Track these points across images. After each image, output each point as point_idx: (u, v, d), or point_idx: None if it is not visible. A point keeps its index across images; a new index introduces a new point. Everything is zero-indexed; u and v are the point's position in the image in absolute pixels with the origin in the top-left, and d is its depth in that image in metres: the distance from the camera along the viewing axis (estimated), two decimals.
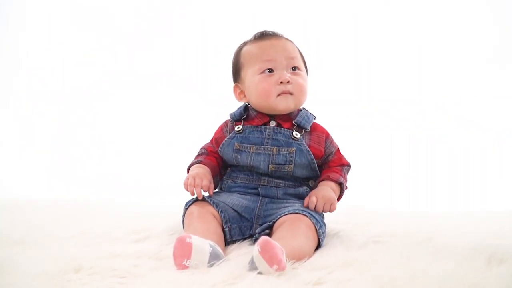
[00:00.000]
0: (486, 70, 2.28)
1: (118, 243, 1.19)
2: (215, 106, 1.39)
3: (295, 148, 1.25)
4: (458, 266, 0.94)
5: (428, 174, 2.23)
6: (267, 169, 1.25)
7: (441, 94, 2.31)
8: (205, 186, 1.22)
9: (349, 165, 1.35)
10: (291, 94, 1.26)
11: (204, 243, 0.97)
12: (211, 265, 0.95)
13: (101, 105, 2.44)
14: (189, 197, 1.26)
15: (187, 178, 1.23)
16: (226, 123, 1.36)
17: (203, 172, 1.26)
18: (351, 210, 1.61)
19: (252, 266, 0.94)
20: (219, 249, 1.01)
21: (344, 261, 1.02)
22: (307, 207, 1.21)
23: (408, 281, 0.83)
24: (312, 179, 1.32)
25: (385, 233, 1.35)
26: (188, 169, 1.33)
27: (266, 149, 1.25)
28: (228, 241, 1.19)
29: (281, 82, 1.25)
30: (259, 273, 0.91)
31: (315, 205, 1.21)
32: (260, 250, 0.91)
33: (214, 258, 0.97)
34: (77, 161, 2.37)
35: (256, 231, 1.21)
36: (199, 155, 1.36)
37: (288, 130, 1.27)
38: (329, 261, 1.02)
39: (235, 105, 1.37)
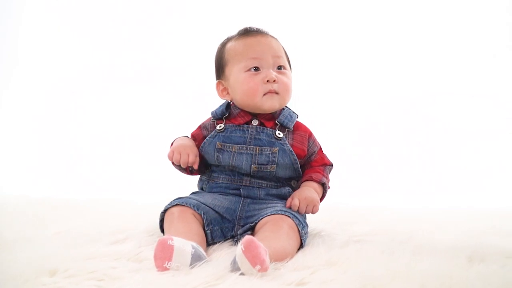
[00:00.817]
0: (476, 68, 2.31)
1: (95, 244, 1.16)
2: (200, 105, 1.36)
3: (278, 148, 1.24)
4: (439, 265, 0.94)
5: (410, 172, 2.25)
6: (249, 169, 1.24)
7: (411, 94, 2.32)
8: (191, 161, 1.20)
9: (331, 165, 1.34)
10: (276, 93, 1.25)
11: (186, 245, 0.96)
12: (193, 267, 0.94)
13: (83, 105, 2.42)
14: (168, 199, 1.24)
15: (172, 152, 1.21)
16: (205, 122, 1.33)
17: (190, 145, 1.23)
18: (332, 208, 1.60)
19: (235, 267, 0.92)
20: (201, 250, 0.99)
21: (326, 260, 1.01)
22: (290, 208, 1.20)
23: (390, 280, 0.82)
24: (294, 179, 1.31)
25: (366, 232, 1.36)
26: (172, 144, 1.30)
27: (248, 149, 1.24)
28: (209, 243, 1.18)
29: (267, 81, 1.23)
30: (241, 274, 0.90)
31: (298, 207, 1.20)
32: (243, 249, 0.90)
33: (196, 259, 0.95)
34: (55, 161, 2.33)
35: (238, 232, 1.19)
36: None
37: (271, 129, 1.26)
38: (311, 261, 1.01)
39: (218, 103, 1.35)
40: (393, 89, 2.31)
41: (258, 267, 0.89)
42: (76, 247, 1.12)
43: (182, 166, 1.22)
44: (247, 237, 0.91)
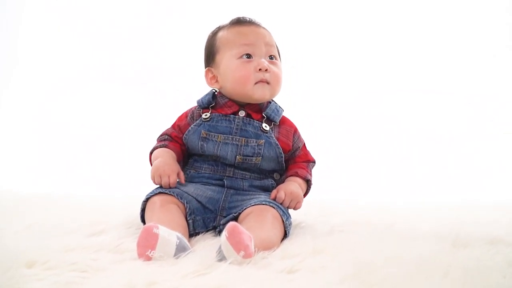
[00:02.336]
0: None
1: (72, 236, 1.11)
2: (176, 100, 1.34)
3: (264, 140, 1.22)
4: (426, 250, 0.95)
5: (378, 166, 2.27)
6: (234, 160, 1.21)
7: (409, 93, 2.35)
8: (173, 183, 1.17)
9: (314, 162, 1.34)
10: (268, 83, 1.23)
11: (171, 235, 0.93)
12: (177, 258, 0.91)
13: (61, 99, 2.39)
14: (148, 189, 1.20)
15: (153, 174, 1.18)
16: (191, 110, 1.30)
17: (170, 164, 1.19)
18: (308, 201, 1.59)
19: (221, 255, 0.90)
20: (186, 241, 0.96)
21: (313, 249, 1.01)
22: (274, 200, 1.19)
23: (383, 265, 0.82)
24: (277, 172, 1.30)
25: (347, 222, 1.36)
26: (151, 154, 1.27)
27: (234, 139, 1.21)
28: (191, 234, 1.15)
29: (259, 70, 1.21)
30: (224, 260, 0.88)
31: (283, 200, 1.19)
32: (227, 235, 0.88)
33: (180, 250, 0.92)
34: (30, 154, 2.27)
35: (221, 223, 1.17)
36: (161, 140, 1.29)
37: (257, 121, 1.24)
38: (298, 249, 1.00)
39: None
40: (390, 88, 2.34)
41: (242, 253, 0.88)
42: (51, 239, 1.06)
43: (164, 188, 1.18)
44: (230, 223, 0.90)
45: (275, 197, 1.19)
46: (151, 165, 1.25)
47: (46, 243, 1.01)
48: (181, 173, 1.21)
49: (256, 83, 1.22)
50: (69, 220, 1.28)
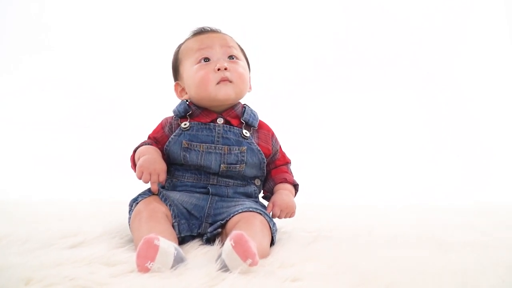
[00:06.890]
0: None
1: (54, 248, 1.05)
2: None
3: (246, 147, 1.23)
4: (420, 254, 0.99)
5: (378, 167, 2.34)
6: (218, 169, 1.21)
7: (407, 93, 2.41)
8: (162, 182, 1.16)
9: (290, 162, 1.37)
10: (230, 82, 1.23)
11: (170, 246, 0.91)
12: (175, 269, 0.89)
13: (83, 106, 2.33)
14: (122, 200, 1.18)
15: (141, 172, 1.14)
16: (167, 120, 1.27)
17: (159, 162, 1.17)
18: None
19: (222, 264, 0.90)
20: (182, 252, 0.95)
21: (307, 256, 1.02)
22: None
23: (386, 272, 0.85)
24: (258, 178, 1.31)
25: (327, 228, 1.39)
26: (134, 152, 1.23)
27: (217, 148, 1.21)
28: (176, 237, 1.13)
29: (218, 69, 1.21)
30: (226, 269, 0.88)
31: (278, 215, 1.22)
32: (233, 244, 0.88)
33: (178, 261, 0.91)
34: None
35: (208, 230, 1.16)
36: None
37: (237, 128, 1.24)
38: (292, 257, 1.01)
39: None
40: (388, 88, 2.38)
41: (249, 261, 0.88)
42: (33, 252, 1.00)
43: (152, 189, 1.17)
44: (235, 232, 0.90)
45: (272, 212, 1.21)
46: (134, 164, 1.21)
47: (31, 256, 0.95)
48: (165, 174, 1.18)
49: (218, 83, 1.22)
50: (41, 230, 1.20)
